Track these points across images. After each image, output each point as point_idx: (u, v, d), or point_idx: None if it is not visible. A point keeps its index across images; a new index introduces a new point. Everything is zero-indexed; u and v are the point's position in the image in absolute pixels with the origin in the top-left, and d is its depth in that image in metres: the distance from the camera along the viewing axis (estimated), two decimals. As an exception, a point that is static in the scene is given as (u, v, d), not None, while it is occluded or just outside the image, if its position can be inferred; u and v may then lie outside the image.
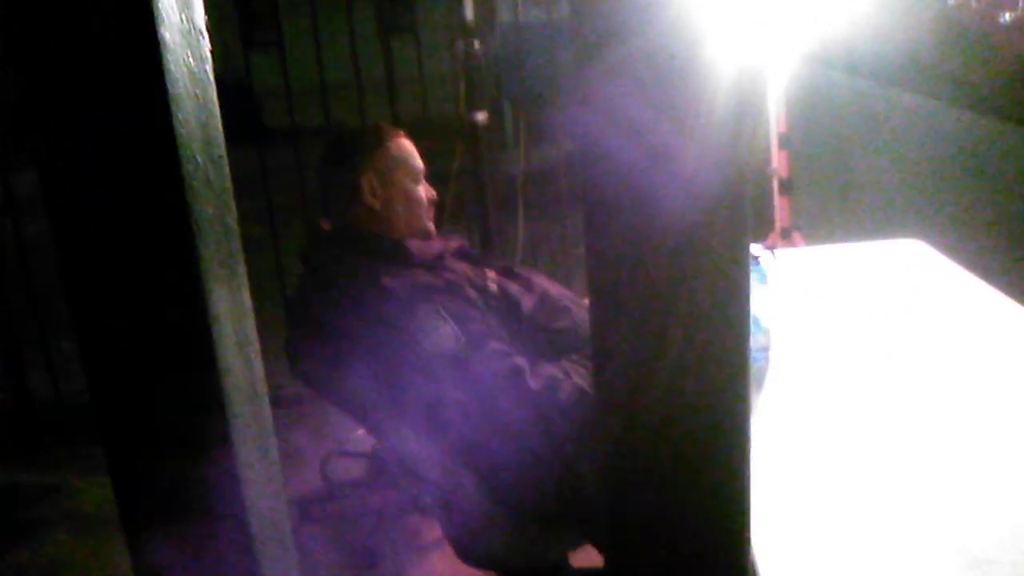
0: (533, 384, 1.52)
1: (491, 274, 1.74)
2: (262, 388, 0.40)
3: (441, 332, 1.55)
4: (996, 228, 2.83)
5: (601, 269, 0.45)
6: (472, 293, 1.64)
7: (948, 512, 1.06)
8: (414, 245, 1.70)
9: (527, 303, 1.69)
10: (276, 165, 3.81)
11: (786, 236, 3.06)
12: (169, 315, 0.34)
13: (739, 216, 0.45)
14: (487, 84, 3.26)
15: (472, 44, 2.80)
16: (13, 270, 3.47)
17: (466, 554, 1.69)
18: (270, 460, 0.40)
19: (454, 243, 1.80)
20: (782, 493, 1.12)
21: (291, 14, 4.11)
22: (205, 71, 0.36)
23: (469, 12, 2.76)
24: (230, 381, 0.35)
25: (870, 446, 1.23)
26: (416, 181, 1.76)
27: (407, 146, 1.77)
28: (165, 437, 0.36)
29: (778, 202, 3.08)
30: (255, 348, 0.40)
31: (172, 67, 0.31)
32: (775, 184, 3.09)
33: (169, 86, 0.31)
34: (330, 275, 1.68)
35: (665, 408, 0.46)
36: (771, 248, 2.24)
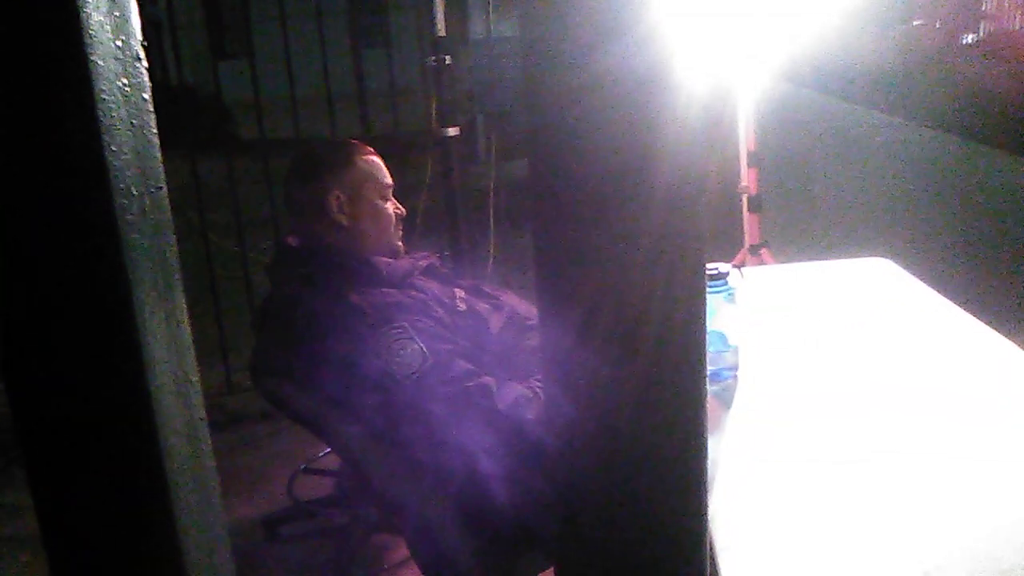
0: (501, 404, 1.51)
1: (460, 292, 1.73)
2: (203, 431, 0.38)
3: (408, 351, 1.53)
4: (961, 247, 2.87)
5: (551, 282, 0.43)
6: (440, 312, 1.62)
7: (908, 525, 1.06)
8: (382, 263, 1.68)
9: (496, 322, 1.68)
10: (245, 176, 3.78)
11: (755, 253, 3.07)
12: (101, 354, 0.33)
13: (697, 230, 0.44)
14: (459, 98, 3.25)
15: (444, 59, 2.79)
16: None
17: (434, 574, 1.67)
18: (211, 504, 0.38)
19: (423, 261, 1.78)
20: (749, 510, 1.12)
21: (262, 24, 4.09)
22: (143, 98, 0.34)
23: (441, 27, 2.75)
24: (167, 423, 0.33)
25: (837, 463, 1.24)
26: (384, 197, 1.74)
27: (375, 162, 1.75)
28: (97, 489, 0.34)
29: (747, 219, 3.10)
30: (195, 386, 0.38)
31: (105, 95, 0.30)
32: (744, 201, 3.11)
33: (101, 115, 0.30)
34: (297, 292, 1.66)
35: (613, 426, 0.44)
36: (740, 266, 2.25)
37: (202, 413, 0.38)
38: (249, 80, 3.50)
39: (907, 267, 2.14)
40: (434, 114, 2.85)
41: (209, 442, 0.37)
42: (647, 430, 0.44)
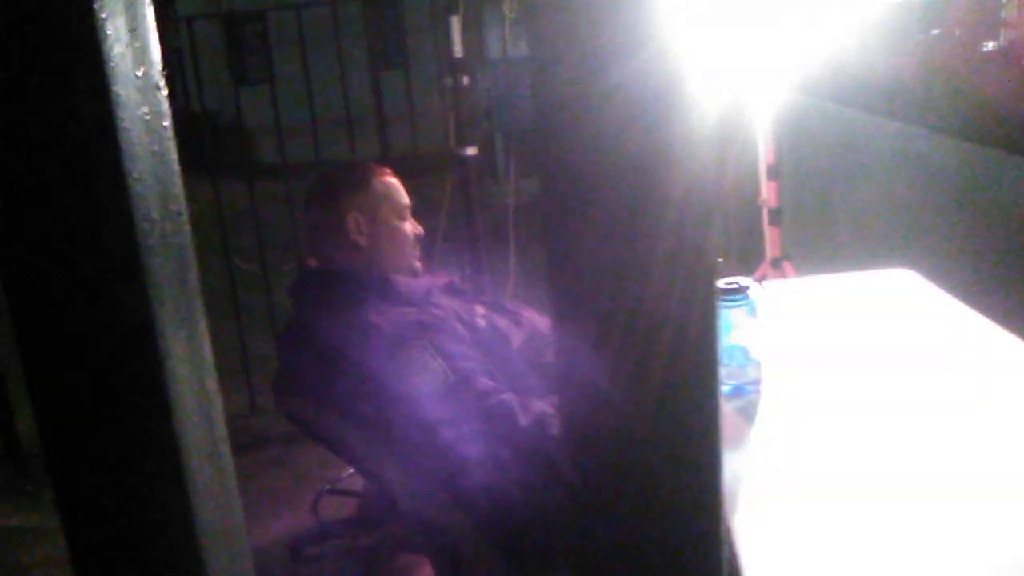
0: (523, 421, 1.51)
1: (480, 309, 1.73)
2: (225, 449, 0.39)
3: (429, 369, 1.53)
4: (987, 256, 2.83)
5: (564, 292, 0.44)
6: (460, 329, 1.63)
7: (935, 542, 1.05)
8: (401, 282, 1.69)
9: (516, 338, 1.68)
10: (267, 200, 3.82)
11: (776, 266, 3.06)
12: (124, 377, 0.33)
13: (711, 243, 0.44)
14: (476, 117, 3.27)
15: (461, 80, 2.81)
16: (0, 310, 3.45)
17: (458, 595, 1.66)
18: (234, 523, 0.39)
19: (442, 279, 1.79)
20: (773, 526, 1.11)
21: (282, 50, 4.14)
22: (163, 126, 0.35)
23: (458, 48, 2.78)
24: (190, 445, 0.34)
25: (862, 478, 1.22)
26: (402, 218, 1.75)
27: (393, 183, 1.76)
28: (121, 504, 0.35)
29: (768, 232, 3.08)
30: (217, 408, 0.39)
31: (126, 124, 0.31)
32: (765, 214, 3.10)
33: (123, 144, 0.31)
34: (318, 313, 1.67)
35: (628, 432, 0.44)
36: (761, 279, 2.24)
37: (224, 434, 0.39)
38: (270, 105, 3.55)
39: (932, 278, 2.11)
40: (452, 134, 2.87)
41: (232, 463, 0.38)
42: (662, 438, 0.44)
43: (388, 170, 1.78)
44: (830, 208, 4.02)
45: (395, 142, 3.96)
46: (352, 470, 2.66)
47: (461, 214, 3.06)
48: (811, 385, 1.57)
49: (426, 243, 1.83)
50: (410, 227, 1.76)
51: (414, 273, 1.75)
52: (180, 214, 0.34)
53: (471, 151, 2.88)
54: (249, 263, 4.07)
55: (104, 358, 0.32)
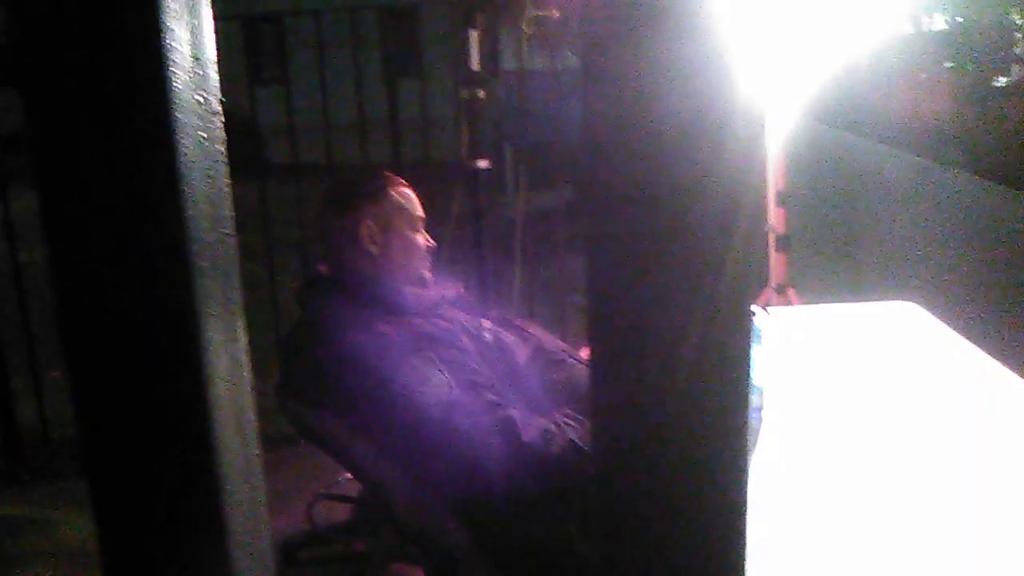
0: (525, 436, 1.52)
1: (487, 324, 1.74)
2: (258, 466, 0.40)
3: (434, 381, 1.54)
4: (990, 291, 2.84)
5: (605, 305, 0.45)
6: (467, 343, 1.64)
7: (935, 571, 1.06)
8: (410, 293, 1.70)
9: (522, 354, 1.69)
10: (277, 200, 3.83)
11: (781, 293, 3.07)
12: (170, 389, 0.34)
13: (750, 264, 0.45)
14: (488, 129, 3.29)
15: (477, 92, 2.83)
16: (3, 299, 3.46)
17: (451, 607, 1.66)
18: (261, 519, 0.40)
19: (450, 291, 1.80)
20: (770, 550, 1.11)
21: (298, 52, 4.17)
22: (218, 150, 0.36)
23: (475, 61, 2.80)
24: (225, 453, 0.35)
25: (861, 506, 1.23)
26: (415, 229, 1.77)
27: (408, 194, 1.78)
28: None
29: (774, 259, 3.10)
30: (253, 427, 0.40)
31: (185, 148, 0.32)
32: (771, 240, 3.11)
33: (181, 167, 0.32)
34: (326, 319, 1.68)
35: (659, 438, 0.46)
36: (765, 305, 2.25)
37: (258, 449, 0.40)
38: (283, 106, 3.57)
39: (934, 310, 2.13)
40: (465, 146, 2.89)
41: (260, 455, 0.39)
42: (691, 439, 0.45)
43: (404, 181, 1.79)
44: (836, 236, 4.03)
45: (407, 149, 3.98)
46: (348, 475, 2.66)
47: (468, 226, 3.07)
48: (811, 415, 1.58)
49: (433, 254, 1.84)
50: (422, 239, 1.77)
51: (423, 284, 1.76)
52: (229, 235, 0.35)
53: (484, 164, 2.89)
54: (254, 263, 4.08)
55: (154, 370, 0.33)
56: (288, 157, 3.76)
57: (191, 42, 0.34)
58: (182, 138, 0.32)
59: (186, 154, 0.32)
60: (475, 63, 2.80)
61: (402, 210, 1.75)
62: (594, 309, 0.41)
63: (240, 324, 0.37)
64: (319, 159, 3.81)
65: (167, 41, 0.32)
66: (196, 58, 0.34)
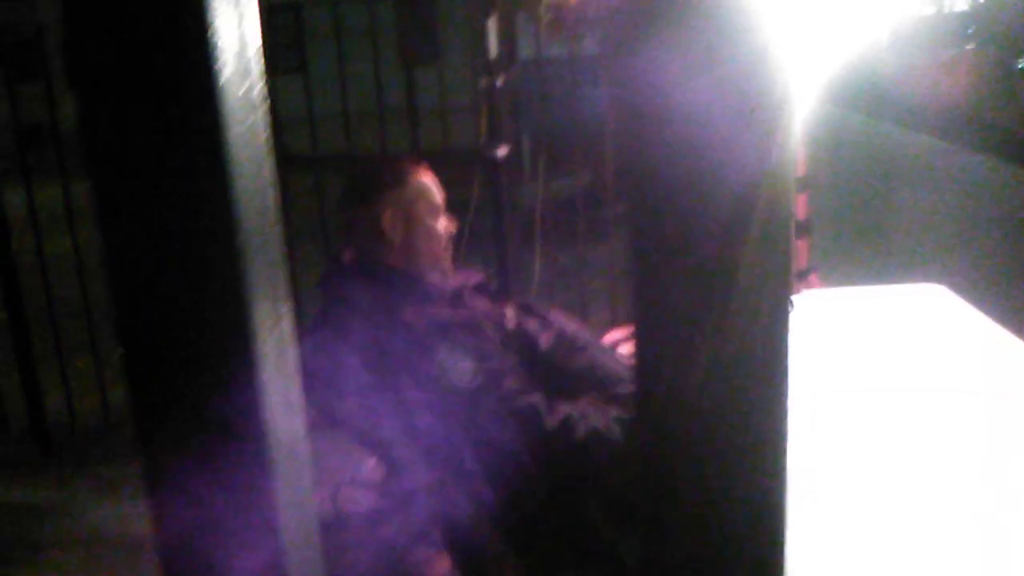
0: (548, 423, 1.52)
1: (509, 311, 1.74)
2: (308, 468, 0.41)
3: (458, 368, 1.55)
4: (1016, 273, 2.81)
5: (651, 292, 0.45)
6: (489, 330, 1.64)
7: (970, 559, 1.05)
8: (433, 280, 1.70)
9: (544, 341, 1.70)
10: (296, 189, 3.85)
11: (803, 278, 3.04)
12: (222, 374, 0.35)
13: (787, 251, 0.46)
14: (505, 116, 3.29)
15: (495, 80, 2.83)
16: (32, 288, 3.51)
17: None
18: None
19: (473, 278, 1.80)
20: (803, 540, 1.11)
21: (316, 41, 4.18)
22: (263, 141, 0.37)
23: (493, 48, 2.79)
24: (275, 440, 0.36)
25: (889, 493, 1.23)
26: (436, 216, 1.77)
27: (429, 181, 1.78)
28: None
29: (794, 244, 3.07)
30: (300, 409, 0.41)
31: (232, 141, 0.32)
32: (792, 226, 3.08)
33: (229, 161, 0.32)
34: (349, 307, 1.69)
35: (701, 417, 0.46)
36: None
37: (304, 430, 0.41)
38: (301, 95, 3.58)
39: (962, 293, 2.11)
40: (484, 133, 2.89)
41: (308, 457, 0.40)
42: (732, 430, 0.46)
43: (425, 167, 1.79)
44: (859, 220, 4.00)
45: (426, 137, 3.98)
46: (372, 462, 2.68)
47: (487, 213, 3.07)
48: (836, 401, 1.57)
49: (454, 241, 1.84)
50: (443, 226, 1.77)
51: (445, 272, 1.77)
52: (275, 225, 0.36)
53: (502, 151, 2.89)
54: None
55: (206, 357, 0.34)
56: (307, 146, 3.77)
57: (237, 33, 0.34)
58: (229, 128, 0.32)
59: (233, 144, 0.33)
60: (494, 51, 2.79)
61: (423, 197, 1.75)
62: (639, 304, 0.42)
63: (286, 310, 0.37)
64: (338, 148, 3.82)
65: (215, 32, 0.32)
66: (242, 49, 0.34)
